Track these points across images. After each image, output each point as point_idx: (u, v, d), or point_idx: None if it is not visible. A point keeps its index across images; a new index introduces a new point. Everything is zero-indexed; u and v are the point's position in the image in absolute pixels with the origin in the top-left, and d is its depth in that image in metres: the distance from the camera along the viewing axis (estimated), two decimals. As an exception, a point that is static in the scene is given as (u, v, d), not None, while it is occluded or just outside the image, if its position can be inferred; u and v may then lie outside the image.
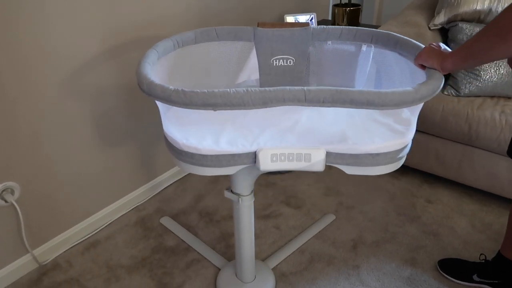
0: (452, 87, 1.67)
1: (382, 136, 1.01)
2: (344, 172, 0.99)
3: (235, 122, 1.07)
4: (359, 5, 2.08)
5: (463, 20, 1.72)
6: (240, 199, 1.13)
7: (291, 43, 1.24)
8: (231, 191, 1.15)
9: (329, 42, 1.23)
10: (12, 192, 1.28)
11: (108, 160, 1.55)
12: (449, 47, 1.74)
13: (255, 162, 0.95)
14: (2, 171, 1.24)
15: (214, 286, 1.34)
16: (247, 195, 1.14)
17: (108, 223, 1.61)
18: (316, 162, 0.95)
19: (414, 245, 1.49)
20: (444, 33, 1.78)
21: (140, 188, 1.72)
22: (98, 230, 1.58)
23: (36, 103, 1.26)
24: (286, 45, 1.24)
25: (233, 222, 1.22)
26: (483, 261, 1.32)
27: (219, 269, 1.39)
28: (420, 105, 1.01)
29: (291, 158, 0.95)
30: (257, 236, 1.53)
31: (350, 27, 1.21)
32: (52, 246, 1.46)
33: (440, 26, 1.75)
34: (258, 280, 1.32)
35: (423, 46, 1.02)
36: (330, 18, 2.15)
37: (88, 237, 1.55)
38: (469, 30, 1.66)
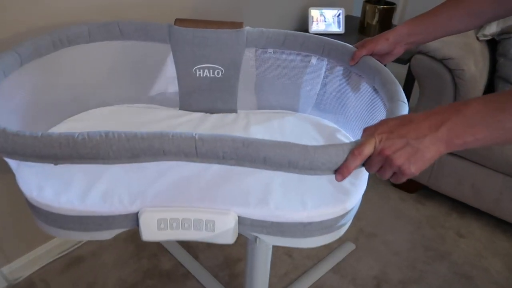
0: (498, 108, 1.47)
1: (316, 197, 0.73)
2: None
3: (116, 167, 0.80)
4: (393, 3, 1.85)
5: (517, 32, 1.51)
6: (258, 239, 0.83)
7: (219, 49, 0.96)
8: None
9: (270, 51, 0.98)
10: (-20, 202, 1.06)
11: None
12: (497, 62, 1.55)
13: (137, 225, 0.69)
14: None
15: (215, 326, 1.14)
16: None
17: (94, 235, 1.39)
18: (223, 232, 0.69)
19: (445, 288, 1.31)
20: (493, 46, 1.57)
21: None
22: (82, 243, 1.36)
23: None
24: (211, 50, 0.96)
25: (245, 266, 1.00)
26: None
27: None
28: None
29: (186, 225, 0.68)
30: (266, 265, 1.33)
31: (296, 32, 0.96)
32: (27, 262, 1.24)
33: (491, 37, 1.54)
34: (267, 323, 1.12)
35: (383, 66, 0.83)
36: (359, 15, 1.93)
37: (70, 251, 1.33)
38: (523, 44, 1.45)
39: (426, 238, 1.49)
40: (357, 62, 0.88)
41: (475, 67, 1.41)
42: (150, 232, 0.68)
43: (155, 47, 0.97)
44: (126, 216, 0.70)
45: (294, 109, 1.07)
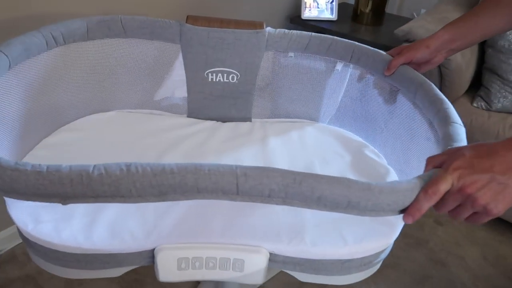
0: (483, 99, 1.48)
1: (357, 231, 0.65)
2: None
3: None
4: (387, -10, 1.84)
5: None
6: None
7: (236, 52, 0.87)
8: None
9: (291, 54, 0.90)
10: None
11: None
12: (485, 54, 1.55)
13: (153, 262, 0.61)
14: None
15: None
16: None
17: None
18: (253, 272, 0.61)
19: (420, 274, 1.34)
20: (482, 37, 1.57)
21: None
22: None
23: None
24: (228, 53, 0.87)
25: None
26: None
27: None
28: None
29: (211, 264, 0.60)
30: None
31: (323, 35, 0.88)
32: (10, 235, 1.25)
33: (480, 28, 1.53)
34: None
35: (426, 79, 0.75)
36: (353, 2, 1.92)
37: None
38: (514, 35, 1.45)
39: (405, 225, 1.50)
40: (393, 72, 0.81)
41: (461, 57, 1.41)
42: (169, 272, 0.60)
43: (162, 47, 0.87)
44: (139, 253, 0.61)
45: (313, 118, 0.99)
